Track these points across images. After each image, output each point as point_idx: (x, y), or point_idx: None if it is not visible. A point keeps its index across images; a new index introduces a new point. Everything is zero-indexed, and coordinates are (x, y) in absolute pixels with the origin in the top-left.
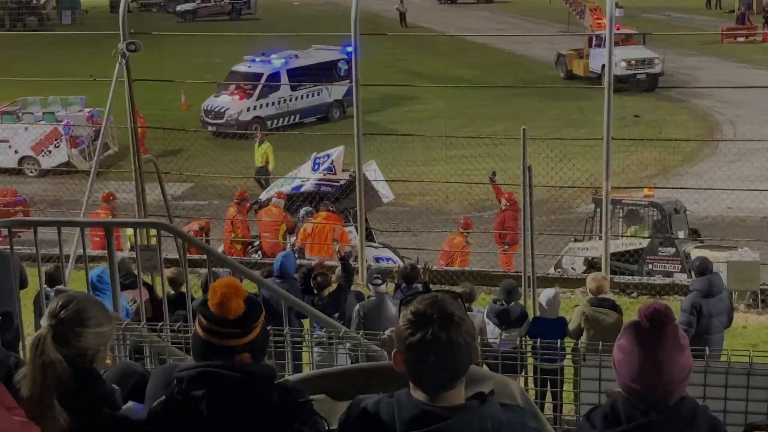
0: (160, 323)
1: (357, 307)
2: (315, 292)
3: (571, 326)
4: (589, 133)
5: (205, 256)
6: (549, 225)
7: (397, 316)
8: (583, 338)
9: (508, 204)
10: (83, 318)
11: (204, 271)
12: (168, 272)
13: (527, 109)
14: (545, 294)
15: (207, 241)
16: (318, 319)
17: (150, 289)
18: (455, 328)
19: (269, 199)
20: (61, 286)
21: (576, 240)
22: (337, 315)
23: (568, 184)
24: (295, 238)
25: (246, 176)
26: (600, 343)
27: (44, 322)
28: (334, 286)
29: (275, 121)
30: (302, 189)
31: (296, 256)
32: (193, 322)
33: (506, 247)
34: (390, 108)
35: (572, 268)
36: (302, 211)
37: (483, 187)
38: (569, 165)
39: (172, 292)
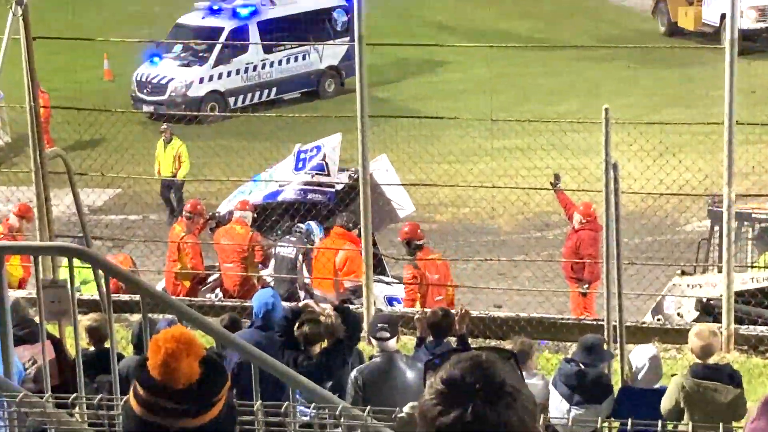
0: (73, 395)
1: (353, 374)
2: (301, 347)
3: (665, 404)
4: (701, 114)
5: (138, 297)
6: (644, 250)
7: (422, 384)
8: (685, 421)
9: (584, 221)
10: None
11: (137, 318)
12: (85, 320)
13: (610, 80)
14: (639, 353)
15: (139, 274)
16: (302, 387)
17: (57, 344)
18: (507, 404)
19: (231, 213)
20: None
21: (684, 273)
22: (330, 384)
23: (672, 190)
24: (300, 263)
25: (200, 179)
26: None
27: None
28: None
29: (241, 97)
30: (280, 197)
31: (302, 297)
32: (123, 392)
33: (586, 285)
34: (409, 78)
35: (678, 314)
36: (307, 227)
37: (545, 195)
38: (673, 162)
39: (91, 348)
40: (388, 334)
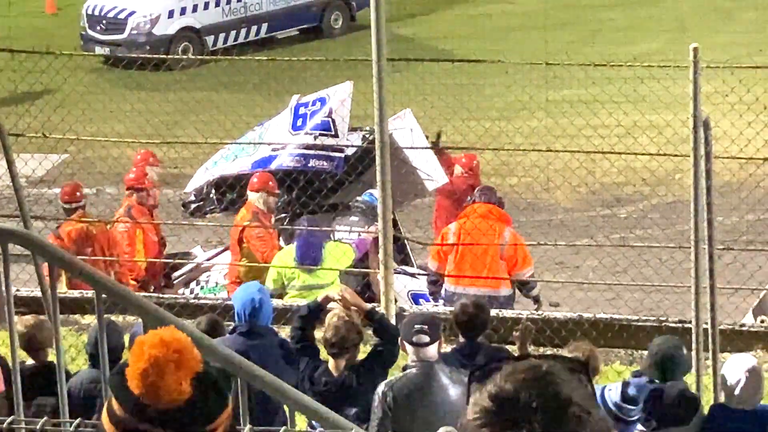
0: (9, 418)
1: (381, 388)
2: (319, 357)
3: None
4: None
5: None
6: (744, 232)
7: (464, 402)
8: None
9: (465, 173)
10: None
11: (90, 320)
12: (21, 323)
13: (702, 11)
14: (734, 364)
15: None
16: (319, 416)
17: None
18: (573, 429)
19: (204, 190)
20: None
21: None
22: (354, 411)
23: None
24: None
25: (170, 140)
26: None
27: None
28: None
29: (222, 36)
30: (273, 164)
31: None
32: (76, 416)
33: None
34: (439, 10)
35: None
36: (369, 197)
37: (615, 161)
38: None
39: (29, 361)
40: (427, 339)
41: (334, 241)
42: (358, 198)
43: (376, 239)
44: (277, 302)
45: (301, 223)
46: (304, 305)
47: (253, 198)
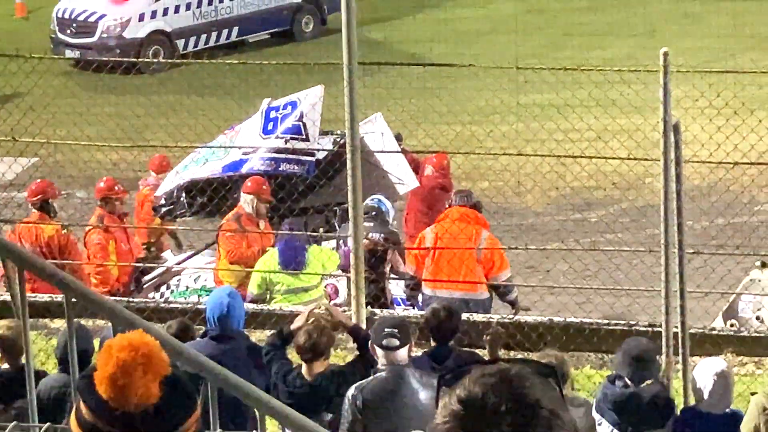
0: None
1: (351, 392)
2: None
3: (744, 431)
4: None
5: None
6: (714, 236)
7: (434, 406)
8: None
9: (435, 173)
10: None
11: (60, 324)
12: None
13: (672, 16)
14: (705, 368)
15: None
16: (290, 421)
17: None
18: (543, 431)
19: (174, 194)
20: None
21: (765, 265)
22: (330, 418)
23: (750, 158)
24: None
25: (140, 144)
26: None
27: None
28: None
29: (192, 39)
30: (244, 168)
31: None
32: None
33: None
34: (411, 14)
35: (758, 318)
36: (377, 202)
37: (586, 165)
38: (751, 122)
39: (4, 366)
40: (397, 342)
41: (316, 244)
42: (367, 203)
43: (392, 242)
44: (262, 306)
45: (284, 227)
46: (276, 334)
47: (244, 200)
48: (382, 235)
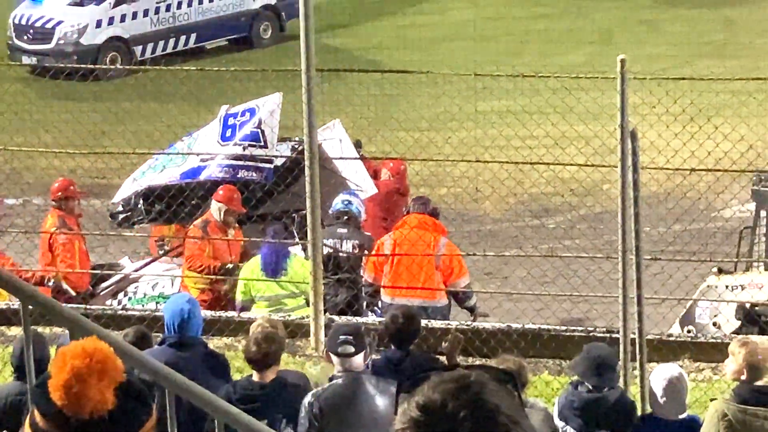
0: None
1: (307, 399)
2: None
3: None
4: (744, 68)
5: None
6: (671, 242)
7: (393, 413)
8: None
9: (391, 177)
10: None
11: (16, 332)
12: None
13: (628, 23)
14: (661, 374)
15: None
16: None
17: None
18: None
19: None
20: None
21: (721, 272)
22: (284, 421)
23: (707, 165)
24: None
25: (97, 151)
26: None
27: None
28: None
29: (150, 45)
30: (202, 175)
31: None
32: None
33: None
34: (369, 21)
35: (714, 324)
36: (345, 204)
37: (544, 172)
38: (708, 129)
39: None
40: (352, 349)
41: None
42: (338, 207)
43: (360, 246)
44: (220, 313)
45: (268, 232)
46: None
47: (214, 207)
48: (356, 242)
